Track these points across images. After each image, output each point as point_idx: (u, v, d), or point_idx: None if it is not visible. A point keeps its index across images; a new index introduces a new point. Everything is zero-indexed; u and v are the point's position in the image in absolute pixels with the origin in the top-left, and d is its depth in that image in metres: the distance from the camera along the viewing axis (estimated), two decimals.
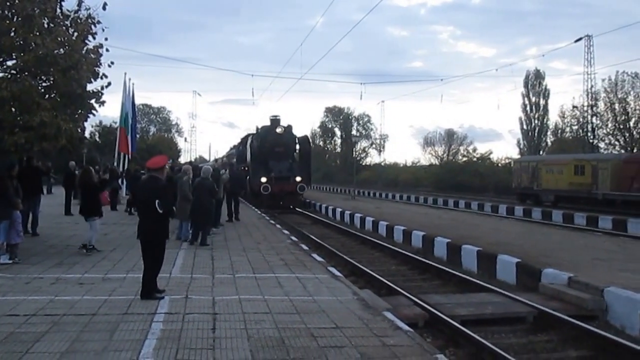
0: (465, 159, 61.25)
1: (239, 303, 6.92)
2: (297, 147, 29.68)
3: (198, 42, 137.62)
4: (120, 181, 22.72)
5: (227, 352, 5.07)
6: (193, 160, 61.87)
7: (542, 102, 61.64)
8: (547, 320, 7.68)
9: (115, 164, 25.15)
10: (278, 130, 27.79)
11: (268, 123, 29.28)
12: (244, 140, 34.17)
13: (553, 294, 8.78)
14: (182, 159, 72.40)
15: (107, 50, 11.89)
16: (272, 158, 27.50)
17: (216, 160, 49.22)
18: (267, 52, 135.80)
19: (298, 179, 27.05)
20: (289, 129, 28.59)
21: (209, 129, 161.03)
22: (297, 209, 27.75)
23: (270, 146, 27.62)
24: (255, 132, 30.76)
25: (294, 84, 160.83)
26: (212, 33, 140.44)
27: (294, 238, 13.92)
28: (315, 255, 11.15)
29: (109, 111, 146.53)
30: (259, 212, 23.22)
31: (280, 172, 27.14)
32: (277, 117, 28.80)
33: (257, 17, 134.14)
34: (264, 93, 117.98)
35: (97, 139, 49.77)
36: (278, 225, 17.22)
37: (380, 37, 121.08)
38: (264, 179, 26.20)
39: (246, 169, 29.37)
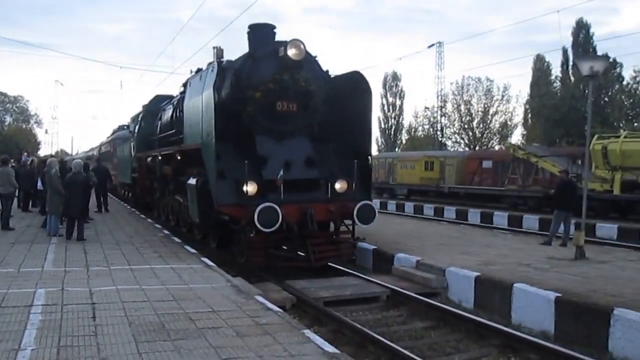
0: None
1: (116, 293, 7.18)
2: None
3: (59, 27, 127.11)
4: None
5: (109, 337, 5.39)
6: (55, 153, 57.52)
7: (398, 102, 66.50)
8: (398, 298, 8.87)
9: None
10: (292, 52, 10.39)
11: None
12: (152, 103, 18.82)
13: (404, 275, 10.04)
14: (42, 152, 67.18)
15: None
16: (268, 130, 10.67)
17: (92, 153, 41.24)
18: (134, 44, 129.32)
19: (341, 185, 10.64)
20: (309, 56, 11.04)
21: (72, 121, 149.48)
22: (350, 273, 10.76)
23: (265, 96, 10.53)
24: (200, 72, 11.81)
25: (166, 79, 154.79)
26: (74, 19, 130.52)
27: (166, 231, 14.07)
28: (188, 247, 11.49)
29: None
30: (129, 207, 22.57)
31: (293, 169, 10.46)
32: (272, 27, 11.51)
33: (122, 5, 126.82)
34: (135, 86, 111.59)
35: None
36: (150, 220, 17.14)
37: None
38: (251, 187, 9.86)
39: (161, 161, 15.09)
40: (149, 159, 17.24)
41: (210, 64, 11.22)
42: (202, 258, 10.22)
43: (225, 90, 10.68)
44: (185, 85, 13.33)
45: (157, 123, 17.33)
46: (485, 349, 6.85)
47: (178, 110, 13.93)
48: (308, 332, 5.86)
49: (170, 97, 16.63)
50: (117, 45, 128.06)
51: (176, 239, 12.72)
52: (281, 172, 9.83)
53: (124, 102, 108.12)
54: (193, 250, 11.13)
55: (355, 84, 11.18)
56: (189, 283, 7.98)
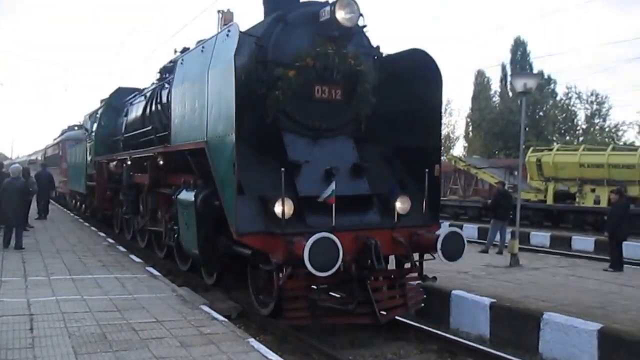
0: None
1: (56, 304, 7.05)
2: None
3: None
4: None
5: (47, 349, 5.31)
6: None
7: None
8: None
9: None
10: (343, 14, 7.27)
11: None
12: (114, 97, 16.01)
13: None
14: None
15: None
16: (301, 126, 7.69)
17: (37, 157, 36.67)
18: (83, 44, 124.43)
19: (404, 203, 7.60)
20: (358, 27, 7.81)
21: (12, 122, 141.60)
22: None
23: (301, 77, 7.38)
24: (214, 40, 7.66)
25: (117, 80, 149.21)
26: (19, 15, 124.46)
27: (110, 240, 13.77)
28: (133, 256, 11.32)
29: None
30: (73, 214, 21.90)
31: (347, 185, 7.48)
32: None
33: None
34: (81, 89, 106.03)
35: None
36: (93, 228, 16.70)
37: None
38: (287, 208, 6.72)
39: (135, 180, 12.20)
40: (113, 164, 14.29)
41: (206, 40, 8.00)
42: (147, 267, 10.11)
43: (242, 67, 7.15)
44: (166, 70, 11.28)
45: (121, 120, 14.37)
46: (425, 354, 7.11)
47: (155, 102, 11.16)
48: (253, 341, 5.94)
49: (137, 90, 14.22)
50: (66, 45, 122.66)
51: (121, 248, 12.50)
52: (333, 186, 6.80)
53: (70, 104, 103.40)
54: (138, 259, 10.98)
55: (418, 65, 8.06)
56: (133, 293, 7.90)
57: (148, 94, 12.12)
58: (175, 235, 8.97)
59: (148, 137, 11.39)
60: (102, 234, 15.03)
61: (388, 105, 8.25)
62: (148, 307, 7.06)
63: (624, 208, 11.49)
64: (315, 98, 7.62)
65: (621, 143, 37.12)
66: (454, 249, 7.28)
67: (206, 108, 7.39)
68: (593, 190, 21.28)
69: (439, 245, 7.12)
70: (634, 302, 8.01)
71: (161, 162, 10.21)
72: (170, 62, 10.98)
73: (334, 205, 6.79)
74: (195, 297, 8.06)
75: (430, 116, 8.10)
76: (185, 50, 9.99)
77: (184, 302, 7.50)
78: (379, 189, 7.79)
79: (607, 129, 43.37)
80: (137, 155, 11.45)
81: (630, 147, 27.74)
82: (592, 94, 43.38)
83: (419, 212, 7.59)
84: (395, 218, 7.49)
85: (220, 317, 6.85)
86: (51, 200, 22.60)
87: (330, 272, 6.28)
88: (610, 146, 24.08)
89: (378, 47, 8.27)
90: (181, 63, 8.90)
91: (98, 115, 16.54)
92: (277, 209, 6.70)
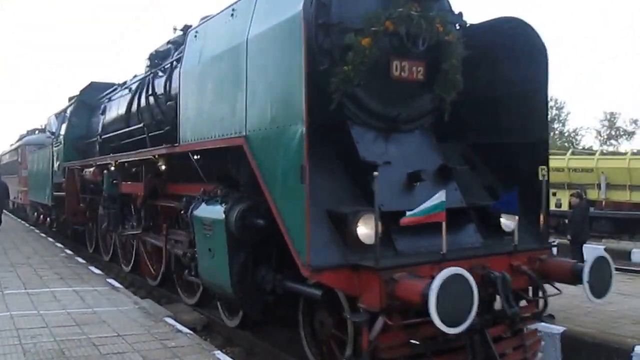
0: None
1: (10, 319, 6.69)
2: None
3: None
4: None
5: None
6: None
7: None
8: None
9: None
10: None
11: None
12: (86, 93, 13.94)
13: None
14: None
15: None
16: (372, 115, 5.66)
17: None
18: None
19: (509, 219, 5.67)
20: None
21: None
22: None
23: (377, 48, 5.33)
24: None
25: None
26: None
27: (68, 251, 13.30)
28: (92, 268, 10.94)
29: None
30: (28, 224, 21.05)
31: (420, 190, 5.36)
32: None
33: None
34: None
35: None
36: (50, 239, 16.13)
37: None
38: (369, 227, 4.69)
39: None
40: (88, 171, 11.92)
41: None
42: (108, 279, 9.76)
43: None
44: (158, 56, 9.34)
45: (97, 120, 12.61)
46: None
47: (145, 95, 9.36)
48: (219, 354, 5.75)
49: (114, 85, 12.38)
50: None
51: (80, 259, 12.07)
52: (442, 196, 4.68)
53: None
54: (98, 271, 10.61)
55: (517, 40, 6.16)
56: (93, 306, 7.58)
57: (134, 87, 10.24)
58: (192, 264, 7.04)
59: (136, 137, 9.67)
60: (59, 245, 14.49)
61: (476, 88, 6.20)
62: (109, 321, 6.77)
63: (584, 211, 11.73)
64: (393, 77, 5.61)
65: (580, 147, 38.25)
66: (601, 281, 5.24)
67: (244, 91, 5.45)
68: (554, 194, 21.75)
69: (585, 277, 5.09)
70: None
71: (163, 167, 8.29)
72: (169, 42, 9.12)
73: (444, 224, 4.69)
74: (158, 309, 7.80)
75: (534, 101, 6.12)
76: (187, 28, 8.00)
77: (147, 315, 7.24)
78: (474, 198, 5.89)
79: (566, 134, 44.67)
80: (128, 159, 9.54)
81: (589, 152, 28.55)
82: (551, 99, 44.71)
83: (527, 230, 5.73)
84: (502, 238, 5.69)
85: (185, 330, 6.63)
86: (8, 213, 21.54)
87: (464, 327, 4.33)
88: (570, 150, 24.69)
89: (461, 14, 6.25)
90: (195, 36, 6.90)
91: (67, 115, 14.27)
92: (363, 230, 4.78)
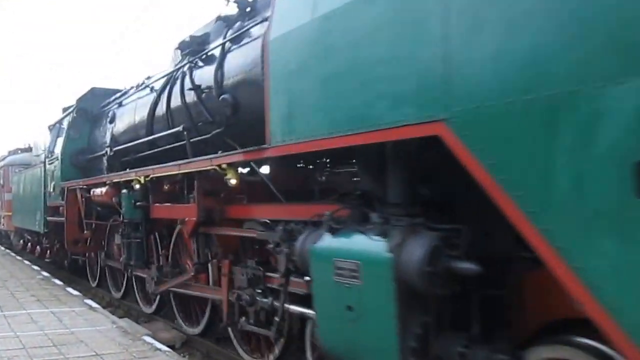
0: None
1: None
2: None
3: None
4: None
5: None
6: None
7: None
8: None
9: None
10: None
11: None
12: (87, 100, 11.94)
13: None
14: None
15: None
16: None
17: None
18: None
19: None
20: None
21: None
22: None
23: None
24: None
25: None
26: None
27: (45, 273, 13.18)
28: (70, 289, 10.87)
29: None
30: (4, 247, 20.71)
31: None
32: None
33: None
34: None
35: None
36: (27, 262, 15.93)
37: None
38: None
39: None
40: (98, 191, 9.84)
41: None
42: (85, 300, 9.72)
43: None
44: (194, 44, 7.28)
45: (103, 130, 10.64)
46: None
47: (180, 93, 7.22)
48: None
49: (117, 91, 10.93)
50: None
51: (57, 281, 11.97)
52: None
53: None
54: (76, 292, 10.55)
55: None
56: (70, 327, 7.57)
57: (157, 85, 8.34)
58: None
59: (162, 146, 7.85)
60: (35, 267, 14.32)
61: None
62: (87, 341, 6.77)
63: None
64: None
65: None
66: None
67: (442, 39, 3.15)
68: None
69: None
70: None
71: (232, 182, 5.84)
72: (218, 18, 6.87)
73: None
74: (136, 327, 7.82)
75: None
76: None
77: (125, 334, 7.25)
78: None
79: None
80: (170, 172, 7.15)
81: None
82: None
83: None
84: None
85: (164, 347, 6.66)
86: None
87: None
88: None
89: None
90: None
91: (63, 127, 12.28)
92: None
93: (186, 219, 6.89)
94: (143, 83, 9.24)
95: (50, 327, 7.51)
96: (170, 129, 7.52)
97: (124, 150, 9.28)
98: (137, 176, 8.15)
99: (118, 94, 10.64)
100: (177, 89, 7.44)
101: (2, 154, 24.40)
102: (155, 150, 8.10)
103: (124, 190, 8.50)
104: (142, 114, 8.63)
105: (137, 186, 8.14)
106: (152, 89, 8.55)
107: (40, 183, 13.94)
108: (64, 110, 12.79)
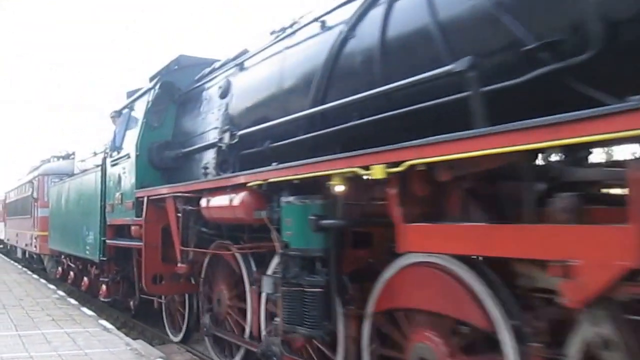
0: None
1: None
2: None
3: None
4: None
5: None
6: None
7: None
8: None
9: None
10: None
11: None
12: (175, 72, 8.36)
13: None
14: None
15: None
16: None
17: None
18: None
19: None
20: None
21: None
22: None
23: None
24: None
25: None
26: None
27: (61, 292, 13.20)
28: (85, 309, 10.85)
29: None
30: (21, 266, 20.82)
31: None
32: None
33: None
34: None
35: None
36: (43, 280, 16.00)
37: None
38: None
39: None
40: (217, 202, 5.77)
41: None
42: (100, 321, 9.68)
43: None
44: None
45: (207, 109, 7.19)
46: None
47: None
48: None
49: (213, 60, 8.09)
50: None
51: (72, 301, 11.97)
52: None
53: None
54: (90, 313, 10.51)
55: None
56: (84, 348, 7.51)
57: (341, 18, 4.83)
58: None
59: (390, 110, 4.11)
60: (51, 287, 14.37)
61: None
62: None
63: None
64: None
65: None
66: None
67: None
68: None
69: None
70: None
71: None
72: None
73: None
74: (150, 350, 7.75)
75: None
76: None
77: (139, 356, 7.18)
78: None
79: None
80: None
81: None
82: None
83: None
84: None
85: None
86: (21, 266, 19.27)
87: None
88: None
89: None
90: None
91: (137, 113, 8.66)
92: None
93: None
94: (294, 23, 5.84)
95: (64, 348, 7.45)
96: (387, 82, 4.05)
97: (264, 132, 5.65)
98: (342, 168, 3.96)
99: (223, 62, 7.51)
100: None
101: (34, 164, 20.69)
102: (361, 120, 4.39)
103: (290, 199, 4.67)
104: (306, 68, 5.15)
105: (339, 188, 4.12)
106: (325, 27, 5.15)
107: (94, 194, 10.35)
108: (129, 94, 9.39)
